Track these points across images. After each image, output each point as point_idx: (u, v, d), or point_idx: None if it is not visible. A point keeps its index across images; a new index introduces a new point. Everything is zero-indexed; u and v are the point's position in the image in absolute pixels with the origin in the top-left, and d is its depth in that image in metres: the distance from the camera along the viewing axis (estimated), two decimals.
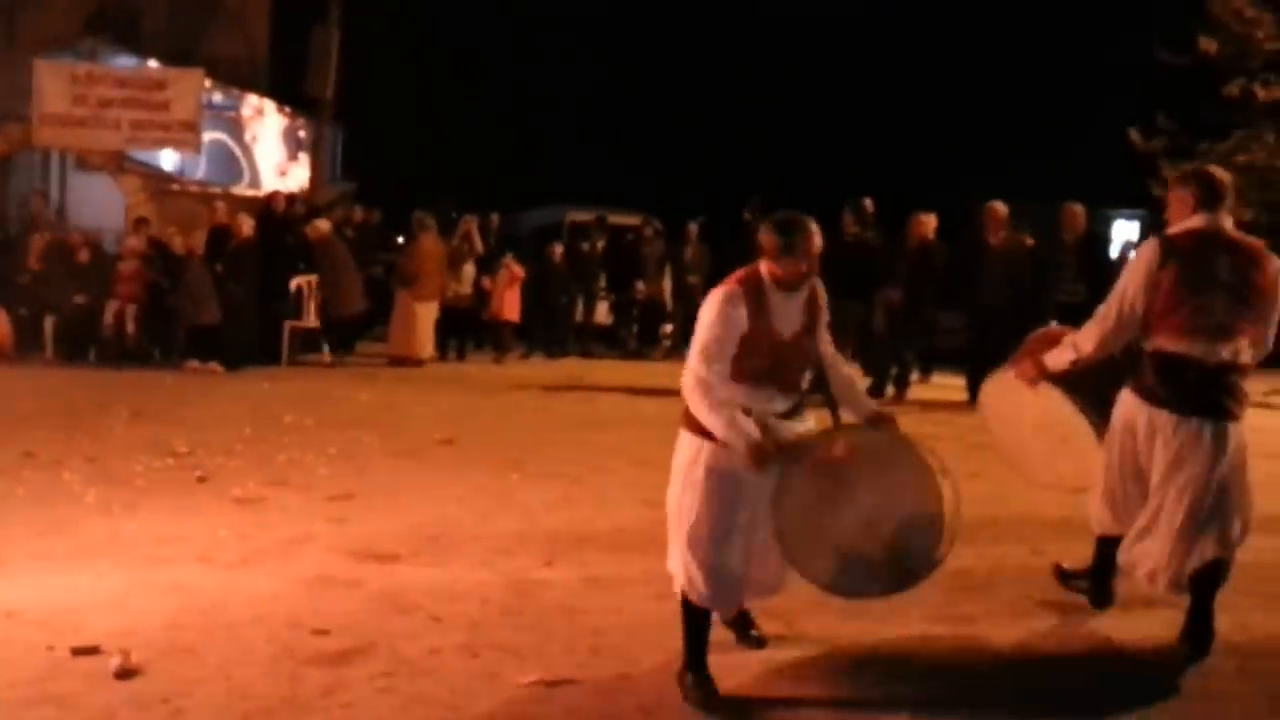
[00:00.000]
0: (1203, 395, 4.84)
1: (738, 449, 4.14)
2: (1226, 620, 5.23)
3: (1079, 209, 11.63)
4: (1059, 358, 5.21)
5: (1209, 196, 4.93)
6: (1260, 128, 20.92)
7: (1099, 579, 5.51)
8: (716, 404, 4.19)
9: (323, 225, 14.72)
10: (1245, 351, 4.87)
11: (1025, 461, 5.80)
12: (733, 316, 4.24)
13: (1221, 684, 4.67)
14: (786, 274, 4.30)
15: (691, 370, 4.26)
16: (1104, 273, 11.16)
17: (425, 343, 15.09)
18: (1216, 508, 4.87)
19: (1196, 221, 4.92)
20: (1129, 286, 4.91)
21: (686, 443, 4.37)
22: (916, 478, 4.28)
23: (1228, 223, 4.94)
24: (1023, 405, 5.53)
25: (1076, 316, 5.54)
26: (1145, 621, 5.33)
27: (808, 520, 4.20)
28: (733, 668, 4.45)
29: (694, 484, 4.28)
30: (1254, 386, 14.33)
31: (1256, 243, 5.00)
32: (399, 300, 15.05)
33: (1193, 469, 4.83)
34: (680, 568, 4.34)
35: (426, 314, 15.06)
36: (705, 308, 4.32)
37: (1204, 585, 4.98)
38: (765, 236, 4.34)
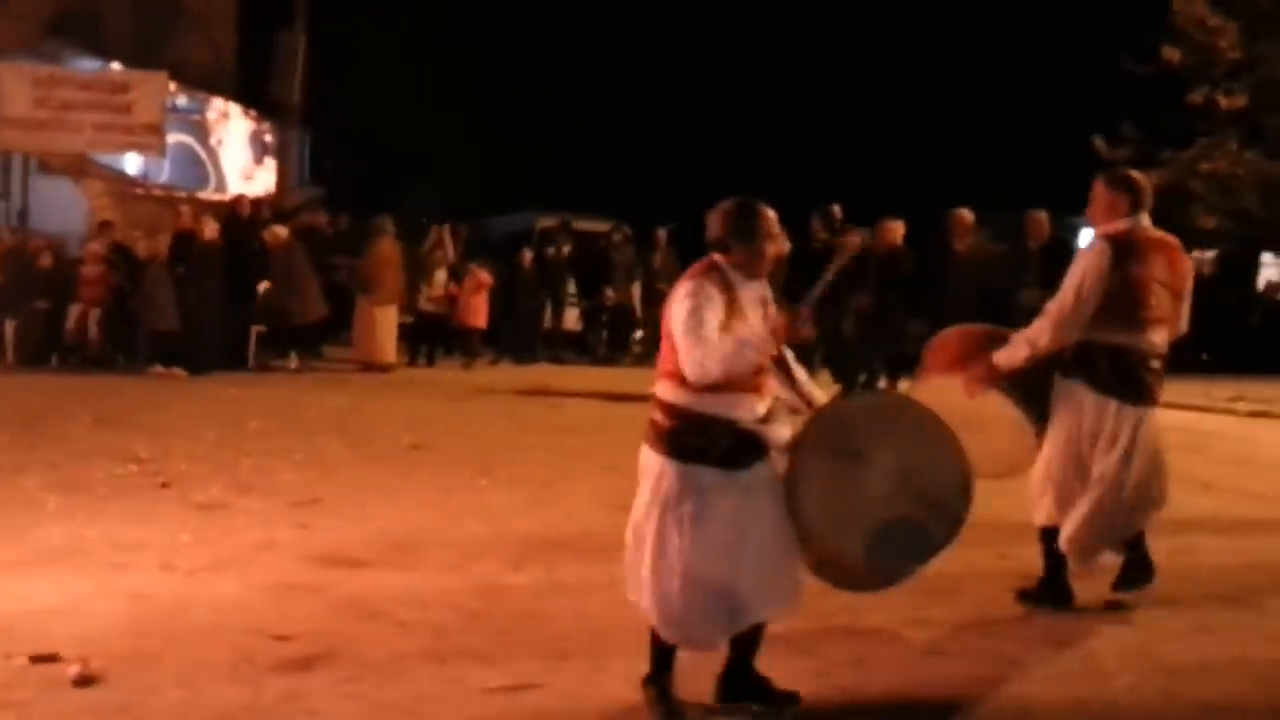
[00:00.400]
0: (1142, 383, 5.42)
1: (765, 348, 3.96)
2: (1189, 621, 5.33)
3: (1043, 216, 11.67)
4: (1013, 355, 5.41)
5: (1139, 200, 5.45)
6: (1223, 136, 21.16)
7: (1056, 578, 5.61)
8: (724, 351, 3.88)
9: (280, 232, 14.57)
10: (1166, 339, 5.51)
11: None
12: (710, 294, 3.97)
13: (1182, 684, 4.68)
14: (749, 260, 4.09)
15: (687, 353, 3.92)
16: None
17: (387, 347, 14.99)
18: (1151, 483, 5.48)
19: (1129, 223, 5.42)
20: (1084, 285, 5.30)
21: (666, 471, 4.04)
22: (922, 422, 4.20)
23: (1148, 222, 5.48)
24: (957, 406, 5.49)
25: None
26: (1108, 624, 5.37)
27: (841, 508, 4.01)
28: (696, 673, 4.41)
29: (680, 516, 3.98)
30: (1217, 392, 14.61)
31: (1173, 239, 5.59)
32: (359, 306, 15.00)
33: (1136, 453, 5.39)
34: (658, 610, 4.05)
35: (386, 318, 14.97)
36: (676, 303, 4.02)
37: (1140, 536, 5.56)
38: (717, 227, 4.11)
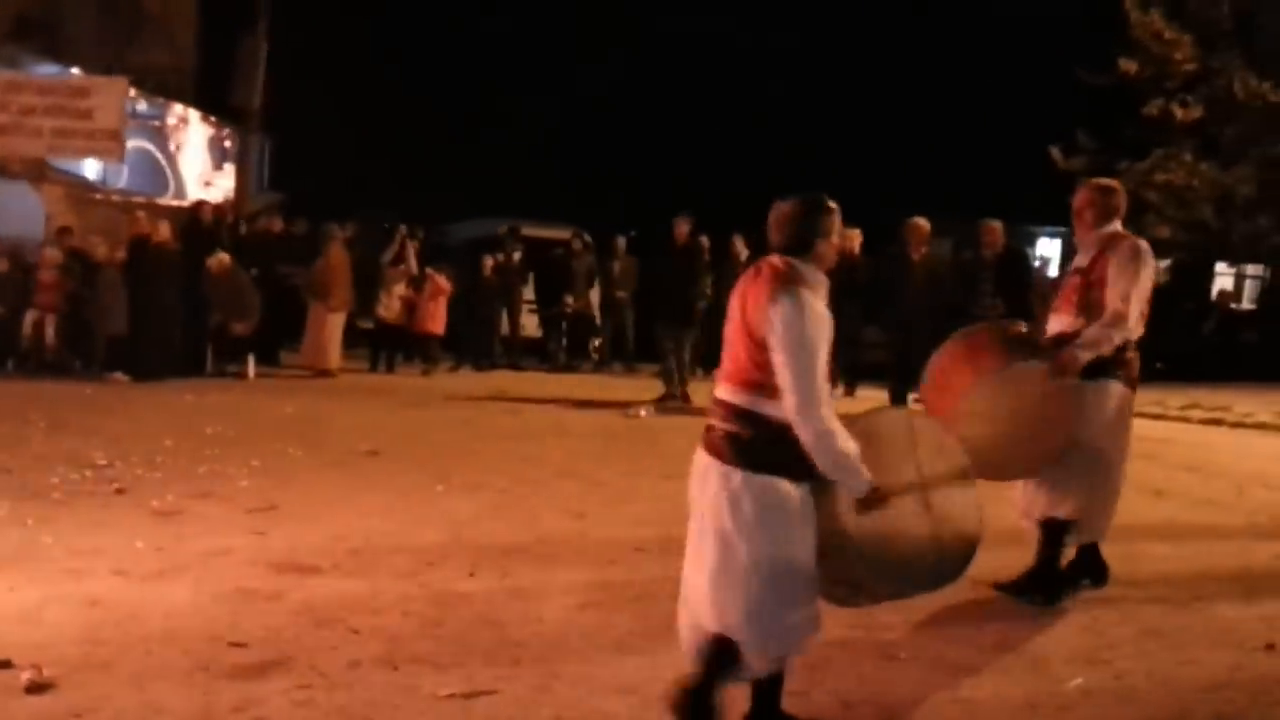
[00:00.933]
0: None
1: (859, 490, 3.83)
2: (1139, 626, 5.42)
3: (997, 225, 11.78)
4: (1096, 349, 5.53)
5: (1123, 208, 5.81)
6: (1178, 147, 21.44)
7: (1053, 569, 5.82)
8: (845, 440, 3.78)
9: (224, 258, 14.32)
10: None
11: (1003, 459, 5.45)
12: (815, 311, 3.79)
13: (1131, 688, 4.75)
14: (828, 254, 3.97)
15: (812, 405, 3.73)
16: (1023, 288, 11.37)
17: (331, 353, 14.93)
18: None
19: (1121, 228, 5.76)
20: (1145, 279, 5.57)
21: (736, 481, 3.85)
22: (948, 447, 4.20)
23: None
24: (1019, 404, 5.40)
25: None
26: (1058, 628, 5.44)
27: (886, 526, 3.98)
28: (655, 678, 4.44)
29: (755, 525, 3.81)
30: (1171, 400, 14.69)
31: None
32: (311, 312, 14.96)
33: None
34: (749, 631, 3.86)
35: (335, 324, 14.94)
36: (792, 320, 3.76)
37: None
38: (799, 227, 3.94)
